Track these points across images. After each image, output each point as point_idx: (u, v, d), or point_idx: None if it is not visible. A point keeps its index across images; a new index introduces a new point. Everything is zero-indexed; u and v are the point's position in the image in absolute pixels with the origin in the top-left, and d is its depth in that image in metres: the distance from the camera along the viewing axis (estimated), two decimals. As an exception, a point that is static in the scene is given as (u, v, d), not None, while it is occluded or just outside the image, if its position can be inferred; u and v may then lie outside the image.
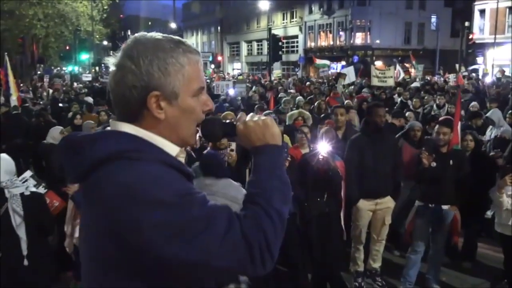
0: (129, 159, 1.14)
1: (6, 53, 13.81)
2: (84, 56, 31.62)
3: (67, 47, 28.39)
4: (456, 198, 4.73)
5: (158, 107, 1.20)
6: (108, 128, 1.27)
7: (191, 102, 1.24)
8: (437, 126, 4.79)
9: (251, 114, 1.37)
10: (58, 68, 35.06)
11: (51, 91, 17.76)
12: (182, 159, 1.30)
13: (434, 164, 4.58)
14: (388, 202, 5.02)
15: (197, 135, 1.33)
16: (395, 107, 10.63)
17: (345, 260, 5.21)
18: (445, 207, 4.69)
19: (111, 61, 1.23)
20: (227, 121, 1.38)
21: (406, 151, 5.46)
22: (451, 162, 4.67)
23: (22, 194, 3.38)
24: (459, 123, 5.66)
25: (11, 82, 11.41)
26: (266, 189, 1.22)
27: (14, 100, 11.06)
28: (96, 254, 1.17)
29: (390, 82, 14.85)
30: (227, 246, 1.10)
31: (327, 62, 24.03)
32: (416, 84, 16.69)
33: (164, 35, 1.26)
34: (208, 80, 16.66)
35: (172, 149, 1.25)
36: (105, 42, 43.92)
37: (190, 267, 1.10)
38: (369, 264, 5.16)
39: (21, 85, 21.90)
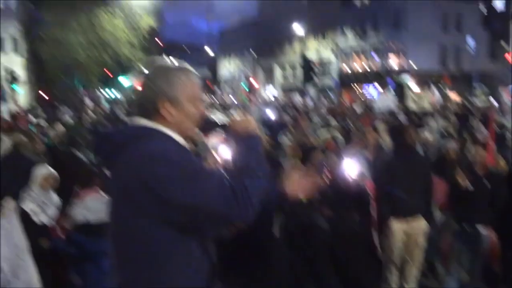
0: (146, 138, 1.69)
1: None
2: (125, 82, 32.69)
3: (109, 74, 29.39)
4: (491, 218, 4.58)
5: (165, 110, 1.74)
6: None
7: (190, 107, 1.77)
8: (473, 146, 4.69)
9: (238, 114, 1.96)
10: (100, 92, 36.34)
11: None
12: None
13: (470, 187, 4.44)
14: (420, 223, 4.88)
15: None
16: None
17: (379, 283, 5.07)
18: (480, 228, 4.54)
19: (136, 79, 1.83)
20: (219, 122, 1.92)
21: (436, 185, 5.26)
22: (486, 183, 4.55)
23: None
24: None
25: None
26: (248, 161, 1.72)
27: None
28: (123, 205, 1.67)
29: (427, 106, 14.40)
30: (220, 192, 1.59)
31: None
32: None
33: (173, 63, 1.82)
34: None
35: (177, 138, 1.76)
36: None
37: (192, 209, 1.58)
38: (402, 286, 5.00)
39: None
